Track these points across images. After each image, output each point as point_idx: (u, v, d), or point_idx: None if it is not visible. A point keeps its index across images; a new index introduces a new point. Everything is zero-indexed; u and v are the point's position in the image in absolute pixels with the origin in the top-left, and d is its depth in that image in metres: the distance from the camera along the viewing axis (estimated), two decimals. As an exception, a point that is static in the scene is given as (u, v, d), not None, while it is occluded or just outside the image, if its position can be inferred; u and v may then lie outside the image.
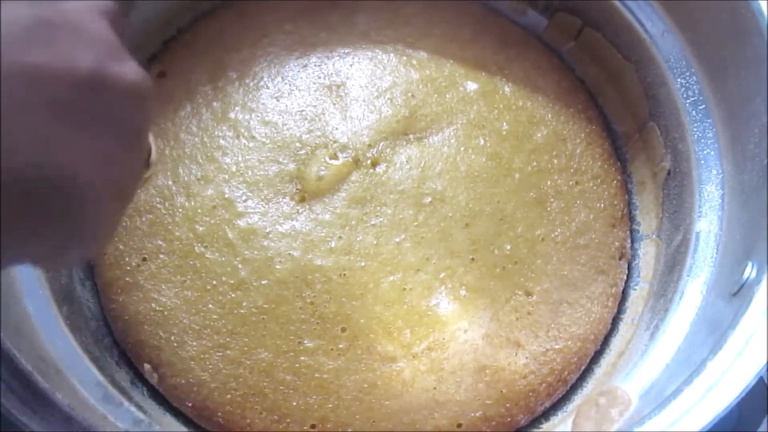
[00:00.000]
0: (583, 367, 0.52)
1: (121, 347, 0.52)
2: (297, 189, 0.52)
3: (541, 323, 0.51)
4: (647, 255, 0.55)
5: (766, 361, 0.37)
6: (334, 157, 0.53)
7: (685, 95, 0.53)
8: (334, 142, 0.53)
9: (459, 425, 0.49)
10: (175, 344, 0.50)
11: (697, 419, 0.36)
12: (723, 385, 0.37)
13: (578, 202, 0.54)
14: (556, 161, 0.55)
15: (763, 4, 0.45)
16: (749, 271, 0.42)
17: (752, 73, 0.46)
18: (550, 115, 0.56)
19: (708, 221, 0.49)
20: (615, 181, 0.56)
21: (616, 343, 0.53)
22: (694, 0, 0.50)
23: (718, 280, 0.46)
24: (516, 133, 0.55)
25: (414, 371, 0.49)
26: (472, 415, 0.49)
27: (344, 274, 0.50)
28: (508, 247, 0.52)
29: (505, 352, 0.50)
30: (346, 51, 0.57)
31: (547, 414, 0.52)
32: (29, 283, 0.47)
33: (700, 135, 0.51)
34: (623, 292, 0.55)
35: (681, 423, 0.37)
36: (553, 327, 0.51)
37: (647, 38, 0.54)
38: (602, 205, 0.55)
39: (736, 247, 0.46)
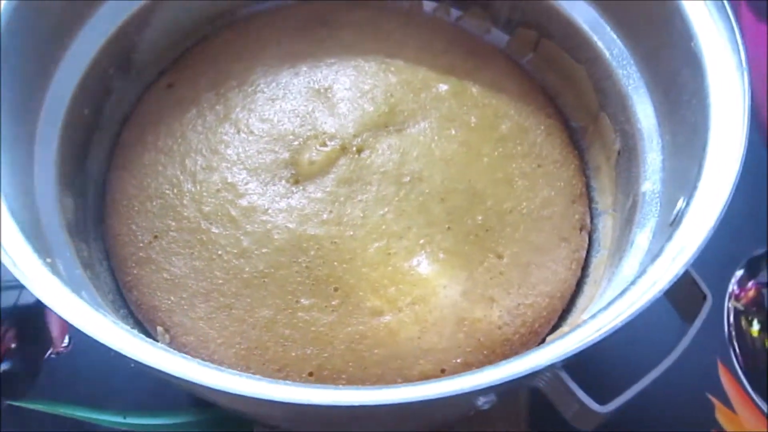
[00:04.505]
0: (552, 322, 0.61)
1: (136, 316, 0.60)
2: (291, 174, 0.62)
3: (512, 282, 0.60)
4: (605, 228, 0.64)
5: (691, 256, 0.45)
6: (324, 144, 0.62)
7: (627, 83, 0.63)
8: (324, 133, 0.63)
9: (443, 370, 0.57)
10: (185, 307, 0.58)
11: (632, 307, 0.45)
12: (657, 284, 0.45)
13: (541, 181, 0.64)
14: (519, 148, 0.65)
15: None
16: (681, 204, 0.51)
17: (678, 51, 0.57)
18: (513, 111, 0.66)
19: (651, 182, 0.59)
20: (573, 165, 0.66)
21: (582, 302, 0.62)
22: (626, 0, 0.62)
23: (660, 224, 0.55)
24: (483, 126, 0.65)
25: (399, 323, 0.57)
26: (454, 361, 0.57)
27: (335, 242, 0.59)
28: (480, 218, 0.61)
29: (480, 306, 0.58)
30: (333, 61, 0.67)
31: (521, 365, 0.59)
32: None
33: (642, 114, 0.62)
34: (585, 260, 0.64)
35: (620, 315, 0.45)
36: (523, 285, 0.60)
37: (593, 39, 0.65)
38: (562, 184, 0.64)
39: (673, 193, 0.55)
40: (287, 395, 0.41)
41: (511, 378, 0.41)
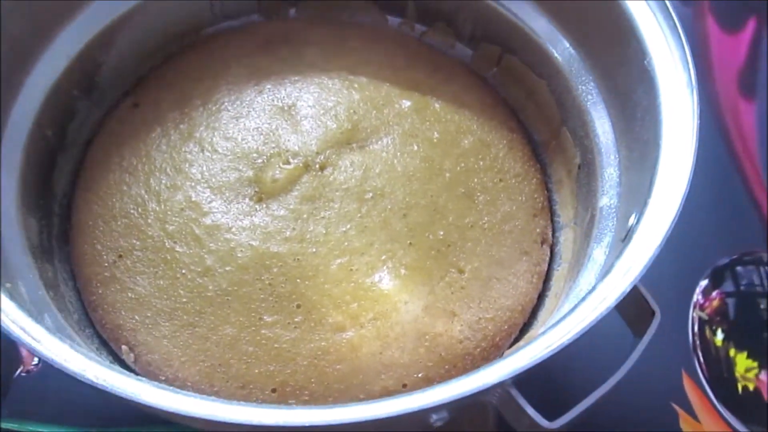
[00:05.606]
0: (513, 336, 0.62)
1: (101, 336, 0.61)
2: (255, 191, 0.63)
3: (473, 296, 0.61)
4: (567, 241, 0.66)
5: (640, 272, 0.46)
6: (287, 162, 0.63)
7: (586, 99, 0.64)
8: (287, 150, 0.64)
9: (404, 385, 0.58)
10: (150, 325, 0.59)
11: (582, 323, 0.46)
12: (606, 300, 0.47)
13: (502, 195, 0.65)
14: (481, 162, 0.66)
15: (633, 5, 0.57)
16: (633, 219, 0.52)
17: (633, 69, 0.58)
18: (475, 126, 0.68)
19: (609, 197, 0.60)
20: (535, 179, 0.67)
21: (542, 315, 0.63)
22: (586, 18, 0.63)
23: (615, 239, 0.56)
24: (445, 141, 0.66)
25: (361, 338, 0.58)
26: (416, 376, 0.58)
27: (298, 259, 0.60)
28: (441, 233, 0.62)
29: (442, 321, 0.59)
30: (296, 78, 0.68)
31: (483, 378, 0.60)
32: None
33: (600, 129, 0.63)
34: (547, 273, 0.65)
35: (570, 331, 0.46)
36: (484, 299, 0.61)
37: (553, 54, 0.66)
38: (523, 198, 0.66)
39: (628, 208, 0.56)
40: (239, 416, 0.42)
41: (459, 396, 0.42)
